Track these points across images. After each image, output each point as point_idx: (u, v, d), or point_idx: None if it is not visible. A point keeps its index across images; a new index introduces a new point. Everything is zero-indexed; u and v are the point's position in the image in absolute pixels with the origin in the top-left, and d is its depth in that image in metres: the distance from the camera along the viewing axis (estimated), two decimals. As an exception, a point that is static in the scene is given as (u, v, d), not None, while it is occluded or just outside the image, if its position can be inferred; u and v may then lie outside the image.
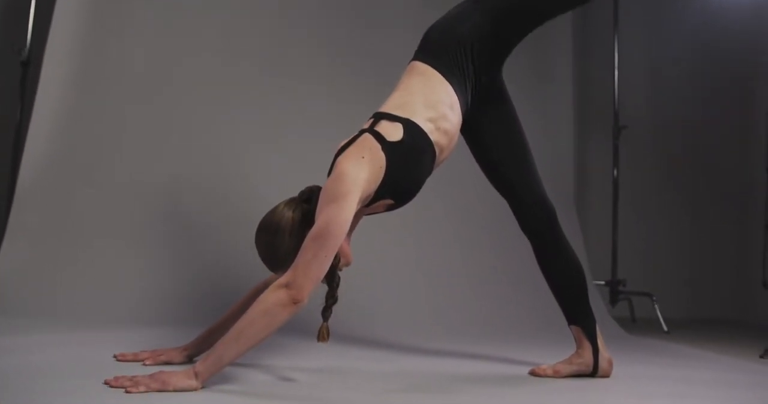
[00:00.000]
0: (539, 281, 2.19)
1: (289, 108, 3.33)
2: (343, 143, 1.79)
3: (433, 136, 1.84)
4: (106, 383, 1.50)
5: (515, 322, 3.12)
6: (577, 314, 2.05)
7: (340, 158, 1.73)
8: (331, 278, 1.71)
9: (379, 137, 1.77)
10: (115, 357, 1.85)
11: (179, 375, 1.51)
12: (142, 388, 1.46)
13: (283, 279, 1.53)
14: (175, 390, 1.48)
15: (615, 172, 3.96)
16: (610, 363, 2.03)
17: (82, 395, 1.44)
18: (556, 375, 1.99)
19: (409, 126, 1.80)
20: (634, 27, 4.32)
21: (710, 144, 4.45)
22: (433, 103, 1.85)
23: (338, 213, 1.60)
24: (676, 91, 4.47)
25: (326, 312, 1.70)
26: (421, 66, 1.93)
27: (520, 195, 2.07)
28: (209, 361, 1.53)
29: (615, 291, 3.79)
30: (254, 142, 3.23)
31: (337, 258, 1.67)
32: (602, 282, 3.83)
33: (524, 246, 2.20)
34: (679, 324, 3.71)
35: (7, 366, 1.67)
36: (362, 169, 1.69)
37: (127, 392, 1.44)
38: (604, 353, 2.03)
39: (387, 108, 1.85)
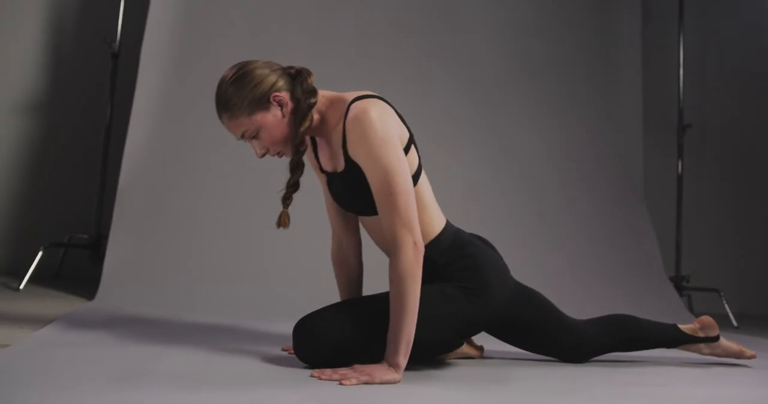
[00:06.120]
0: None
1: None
2: (362, 93, 1.70)
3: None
4: (314, 375, 1.55)
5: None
6: (664, 342, 2.05)
7: (368, 103, 1.64)
8: (296, 167, 1.70)
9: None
10: (285, 350, 1.89)
11: (381, 368, 1.55)
12: (353, 381, 1.49)
13: (407, 240, 1.55)
14: (381, 383, 1.52)
15: (679, 169, 4.04)
16: (702, 325, 2.05)
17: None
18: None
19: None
20: (698, 25, 4.41)
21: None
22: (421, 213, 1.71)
23: (399, 166, 1.59)
24: (737, 90, 4.56)
25: (287, 199, 1.71)
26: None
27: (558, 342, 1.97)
28: (402, 351, 1.55)
29: (679, 287, 3.88)
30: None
31: (304, 146, 1.69)
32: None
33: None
34: (738, 320, 3.79)
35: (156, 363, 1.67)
36: (394, 128, 1.64)
37: (340, 384, 1.49)
38: (707, 333, 2.04)
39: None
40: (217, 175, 3.11)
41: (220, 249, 2.95)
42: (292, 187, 1.72)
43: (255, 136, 1.71)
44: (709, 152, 4.50)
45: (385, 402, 1.39)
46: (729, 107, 4.55)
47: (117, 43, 3.32)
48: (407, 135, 1.71)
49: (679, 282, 3.88)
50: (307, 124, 1.69)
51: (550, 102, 3.89)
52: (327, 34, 3.43)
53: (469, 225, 3.00)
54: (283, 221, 1.71)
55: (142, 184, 3.02)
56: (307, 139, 1.83)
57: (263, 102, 1.67)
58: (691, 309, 3.98)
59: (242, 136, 1.72)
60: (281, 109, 1.69)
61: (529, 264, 3.38)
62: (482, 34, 3.82)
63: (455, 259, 1.76)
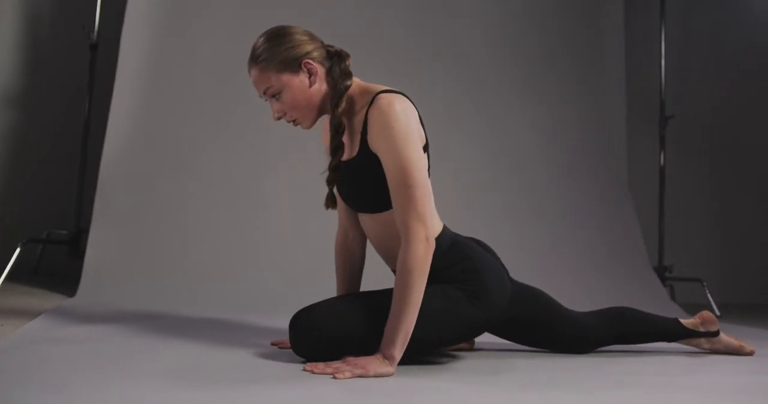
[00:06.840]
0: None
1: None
2: (390, 88, 1.69)
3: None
4: (306, 369, 1.52)
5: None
6: (664, 336, 2.06)
7: (395, 97, 1.63)
8: (336, 148, 1.70)
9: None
10: (275, 344, 1.86)
11: (375, 361, 1.52)
12: (348, 374, 1.46)
13: (420, 234, 1.55)
14: (375, 376, 1.49)
15: (662, 160, 4.06)
16: (703, 320, 2.06)
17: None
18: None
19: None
20: (680, 16, 4.43)
21: (754, 134, 4.60)
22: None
23: (419, 161, 1.60)
24: (719, 81, 4.59)
25: (332, 181, 1.72)
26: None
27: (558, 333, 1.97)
28: (399, 344, 1.53)
29: (662, 277, 3.90)
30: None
31: (343, 127, 1.68)
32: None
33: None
34: (720, 308, 3.82)
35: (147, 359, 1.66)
36: (414, 122, 1.65)
37: (334, 378, 1.46)
38: (707, 328, 2.05)
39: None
40: (199, 167, 3.05)
41: (203, 243, 2.91)
42: (335, 168, 1.72)
43: (276, 97, 1.71)
44: (692, 143, 4.53)
45: (381, 395, 1.36)
46: (711, 98, 4.58)
47: (95, 33, 3.25)
48: (424, 140, 1.70)
49: (662, 272, 3.91)
50: (343, 105, 1.70)
51: (549, 102, 3.88)
52: (321, 31, 3.37)
53: (459, 220, 2.99)
54: (329, 202, 1.73)
55: (122, 178, 2.96)
56: (325, 121, 1.84)
57: (294, 65, 1.68)
58: (673, 298, 4.01)
59: (264, 92, 1.72)
60: (309, 78, 1.70)
61: (526, 260, 3.37)
62: (479, 30, 3.80)
63: (453, 263, 1.74)
